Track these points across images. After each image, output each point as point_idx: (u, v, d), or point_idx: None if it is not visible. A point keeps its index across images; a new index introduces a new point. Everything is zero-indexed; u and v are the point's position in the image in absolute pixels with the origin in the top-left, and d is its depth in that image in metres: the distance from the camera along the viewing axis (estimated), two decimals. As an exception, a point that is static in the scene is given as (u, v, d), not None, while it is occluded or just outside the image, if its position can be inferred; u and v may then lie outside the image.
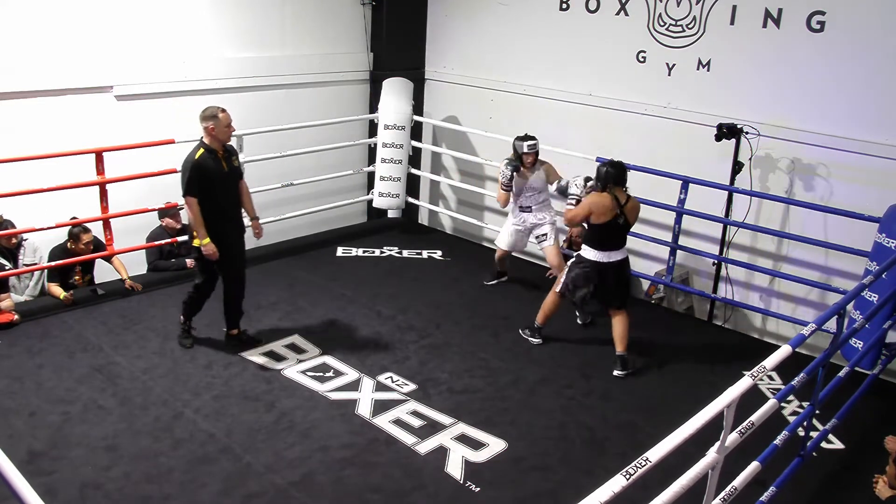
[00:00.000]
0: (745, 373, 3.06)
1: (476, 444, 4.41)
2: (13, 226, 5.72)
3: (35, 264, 5.89)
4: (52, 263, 5.88)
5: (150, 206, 6.37)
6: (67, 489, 3.84)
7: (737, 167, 6.15)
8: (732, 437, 3.00)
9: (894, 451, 3.96)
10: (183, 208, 6.43)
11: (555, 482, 4.13)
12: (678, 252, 6.41)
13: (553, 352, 5.58)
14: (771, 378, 5.25)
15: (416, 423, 4.59)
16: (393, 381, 5.04)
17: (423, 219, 8.86)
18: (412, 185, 8.27)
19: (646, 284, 6.77)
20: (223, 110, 4.99)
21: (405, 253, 7.47)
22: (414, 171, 8.14)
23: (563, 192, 5.93)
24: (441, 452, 4.31)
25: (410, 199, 8.19)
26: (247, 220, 5.32)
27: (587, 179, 5.58)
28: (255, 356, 5.27)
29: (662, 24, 6.70)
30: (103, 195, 6.00)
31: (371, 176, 8.18)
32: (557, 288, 5.47)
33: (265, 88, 7.44)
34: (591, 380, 5.22)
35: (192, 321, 5.44)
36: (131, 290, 6.14)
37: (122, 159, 6.13)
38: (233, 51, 7.23)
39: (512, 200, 6.23)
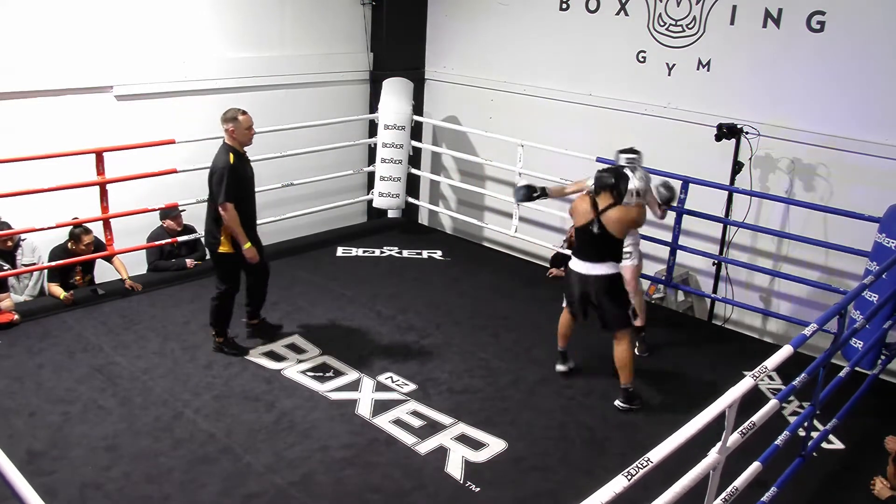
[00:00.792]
0: (745, 373, 3.06)
1: (476, 444, 4.41)
2: (10, 227, 5.72)
3: (34, 264, 5.88)
4: (53, 263, 5.88)
5: (151, 206, 6.37)
6: (67, 489, 3.84)
7: (737, 167, 6.15)
8: (734, 438, 3.00)
9: (894, 451, 3.97)
10: (185, 210, 6.48)
11: (555, 482, 4.13)
12: (678, 252, 6.41)
13: (553, 352, 5.57)
14: (771, 378, 5.24)
15: (416, 423, 4.59)
16: (393, 381, 5.04)
17: (423, 219, 8.86)
18: (412, 185, 8.26)
19: (646, 284, 6.76)
20: (244, 112, 4.93)
21: (405, 253, 7.47)
22: (414, 171, 8.14)
23: (667, 196, 5.37)
24: (441, 452, 4.31)
25: (410, 199, 8.19)
26: None
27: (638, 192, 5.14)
28: (255, 356, 5.27)
29: (662, 24, 6.70)
30: (103, 195, 6.00)
31: (371, 176, 8.18)
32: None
33: (265, 88, 7.44)
34: (591, 380, 5.22)
35: (228, 330, 5.32)
36: (131, 290, 6.14)
37: (122, 159, 6.12)
38: (233, 51, 7.23)
39: None
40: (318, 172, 7.70)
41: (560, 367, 5.24)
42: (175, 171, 6.32)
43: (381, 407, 4.73)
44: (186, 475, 4.00)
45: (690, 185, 6.17)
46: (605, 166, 4.93)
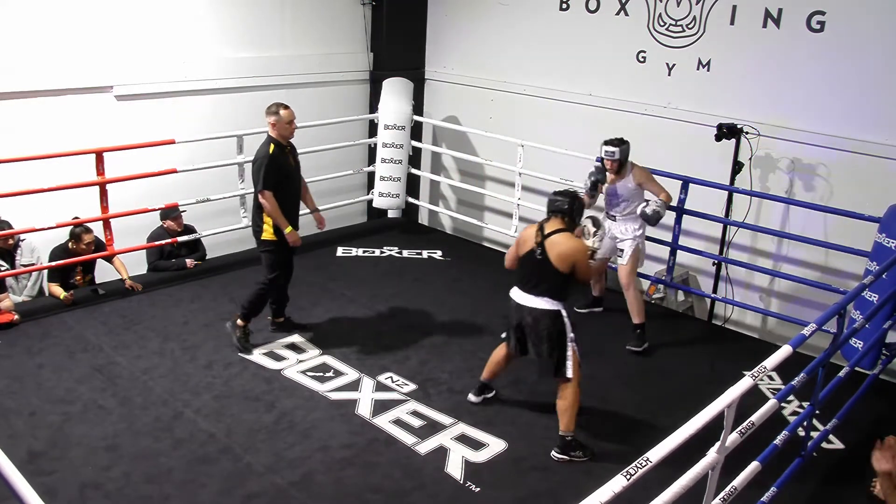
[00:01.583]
0: (745, 373, 3.06)
1: (476, 444, 4.41)
2: (10, 226, 5.72)
3: (33, 265, 5.89)
4: (53, 263, 5.89)
5: (151, 206, 6.37)
6: (67, 489, 3.84)
7: (737, 167, 6.15)
8: (733, 438, 3.00)
9: (893, 449, 3.96)
10: (185, 210, 6.48)
11: (555, 482, 4.13)
12: (678, 252, 6.41)
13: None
14: (771, 378, 5.25)
15: (416, 423, 4.59)
16: (393, 381, 5.04)
17: (423, 219, 8.86)
18: (412, 185, 8.27)
19: (646, 284, 6.76)
20: (286, 107, 5.12)
21: (405, 253, 7.47)
22: (414, 171, 8.14)
23: (646, 219, 5.42)
24: (441, 452, 4.31)
25: (410, 199, 8.19)
26: (303, 211, 5.41)
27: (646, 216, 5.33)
28: (256, 356, 5.27)
29: (662, 24, 6.70)
30: (103, 195, 6.00)
31: (371, 176, 8.19)
32: None
33: (265, 88, 7.43)
34: (590, 380, 5.20)
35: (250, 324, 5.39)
36: (131, 290, 6.14)
37: (122, 159, 6.13)
38: (232, 51, 7.23)
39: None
40: (318, 172, 7.68)
41: (472, 398, 4.77)
42: (175, 171, 6.32)
43: (381, 407, 4.73)
44: (186, 475, 4.00)
45: (690, 185, 6.17)
46: (562, 188, 4.48)
